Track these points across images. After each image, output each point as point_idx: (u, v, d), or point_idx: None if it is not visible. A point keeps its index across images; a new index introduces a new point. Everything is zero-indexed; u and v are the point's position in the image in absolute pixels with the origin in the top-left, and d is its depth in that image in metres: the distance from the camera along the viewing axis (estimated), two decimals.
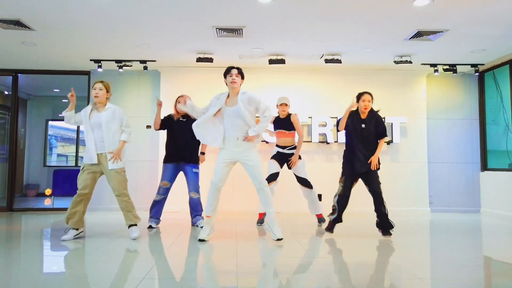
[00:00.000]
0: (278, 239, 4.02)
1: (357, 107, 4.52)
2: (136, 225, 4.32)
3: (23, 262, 3.42)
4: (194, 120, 4.83)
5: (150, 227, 5.02)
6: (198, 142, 5.04)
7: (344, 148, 4.65)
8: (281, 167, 5.23)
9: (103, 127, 4.16)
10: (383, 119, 4.82)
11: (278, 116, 5.27)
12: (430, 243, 4.53)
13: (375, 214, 4.50)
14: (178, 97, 5.06)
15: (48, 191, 9.19)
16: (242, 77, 4.08)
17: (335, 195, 4.58)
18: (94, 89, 4.23)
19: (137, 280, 2.71)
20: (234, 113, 3.96)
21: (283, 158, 5.20)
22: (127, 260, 3.58)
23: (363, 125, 4.43)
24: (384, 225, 4.44)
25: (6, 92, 8.42)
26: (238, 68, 4.05)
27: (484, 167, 6.93)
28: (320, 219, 5.34)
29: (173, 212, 6.42)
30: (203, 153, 5.29)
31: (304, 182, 5.21)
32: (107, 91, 4.29)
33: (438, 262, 3.58)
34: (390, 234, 4.45)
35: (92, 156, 4.17)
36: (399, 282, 2.96)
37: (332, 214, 4.64)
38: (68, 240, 4.15)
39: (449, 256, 3.75)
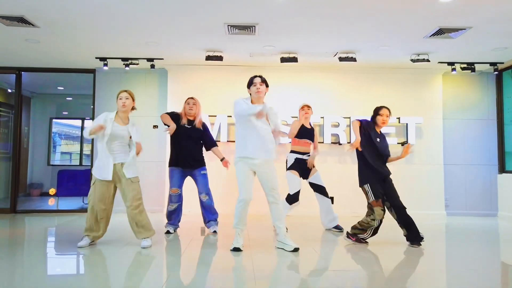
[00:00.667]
0: (295, 249, 3.77)
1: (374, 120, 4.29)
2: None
3: (27, 266, 3.27)
4: (200, 128, 4.79)
5: (168, 232, 4.80)
6: (202, 146, 4.91)
7: (358, 163, 4.26)
8: (301, 177, 5.00)
9: (130, 140, 3.97)
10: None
11: (303, 125, 5.01)
12: (446, 248, 4.39)
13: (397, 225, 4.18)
14: (188, 98, 4.84)
15: (52, 191, 9.04)
16: (267, 85, 3.93)
17: (375, 220, 4.04)
18: (120, 98, 3.98)
19: None
20: (259, 123, 3.78)
21: (303, 166, 4.99)
22: (137, 268, 3.40)
23: (378, 139, 4.18)
24: (416, 237, 4.10)
25: (9, 90, 8.25)
26: (261, 77, 3.92)
27: (502, 169, 6.70)
28: (339, 227, 5.07)
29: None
30: (223, 158, 4.87)
31: (320, 190, 5.07)
32: (133, 100, 4.07)
33: (453, 268, 3.47)
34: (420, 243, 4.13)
35: (107, 173, 3.87)
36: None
37: (363, 232, 4.14)
38: (84, 246, 3.91)
39: (465, 262, 3.62)
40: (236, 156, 3.88)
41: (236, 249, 3.77)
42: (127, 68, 6.34)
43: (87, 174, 7.04)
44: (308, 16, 4.55)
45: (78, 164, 10.65)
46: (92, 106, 6.87)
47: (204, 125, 4.91)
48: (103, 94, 6.78)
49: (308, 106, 5.02)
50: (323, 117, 6.55)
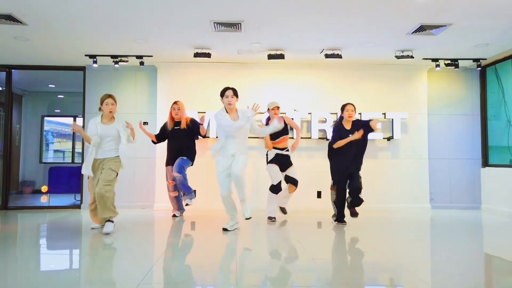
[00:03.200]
0: (247, 218, 4.48)
1: (341, 118, 5.07)
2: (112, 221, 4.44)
3: (19, 262, 3.33)
4: (187, 127, 5.51)
5: (174, 216, 5.62)
6: (193, 144, 5.65)
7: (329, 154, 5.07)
8: (282, 170, 5.40)
9: (116, 137, 4.54)
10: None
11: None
12: (431, 241, 4.49)
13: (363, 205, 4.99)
14: (173, 103, 5.57)
15: (44, 188, 9.07)
16: (237, 96, 4.48)
17: (332, 203, 5.04)
18: (107, 104, 4.57)
19: (134, 283, 2.63)
20: (234, 127, 4.33)
21: (282, 160, 5.38)
22: (125, 260, 3.49)
23: (349, 135, 4.83)
24: (356, 202, 4.89)
25: (0, 88, 8.27)
26: (233, 89, 4.46)
27: (485, 163, 6.86)
28: (284, 210, 5.69)
29: (171, 209, 6.33)
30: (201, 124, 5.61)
31: (294, 182, 5.45)
32: (116, 103, 4.67)
33: (438, 260, 3.55)
34: (357, 214, 4.95)
35: (87, 170, 4.43)
36: (399, 281, 2.92)
37: (334, 216, 5.11)
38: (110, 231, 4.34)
39: (450, 254, 3.71)
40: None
41: (225, 230, 4.52)
42: (116, 66, 6.41)
43: (78, 171, 7.09)
44: (294, 13, 4.63)
45: (71, 161, 10.67)
46: (82, 104, 6.92)
47: (193, 122, 5.64)
48: (94, 91, 6.83)
49: (278, 107, 5.42)
50: (310, 113, 6.65)
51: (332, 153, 5.00)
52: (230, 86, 4.52)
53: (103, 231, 4.29)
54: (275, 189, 5.28)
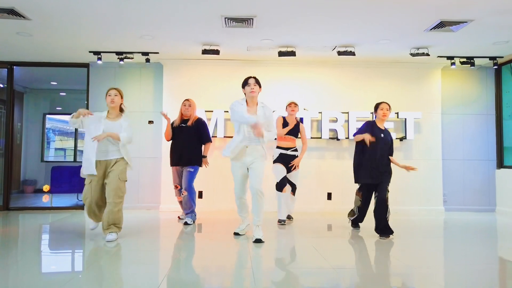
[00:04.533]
0: (257, 240, 3.98)
1: (375, 117, 4.68)
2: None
3: (21, 264, 3.17)
4: (193, 125, 5.14)
5: (186, 223, 5.10)
6: (199, 145, 5.21)
7: (356, 155, 4.60)
8: (286, 169, 5.19)
9: (122, 138, 4.04)
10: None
11: (285, 119, 5.27)
12: (444, 244, 4.34)
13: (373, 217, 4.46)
14: (184, 100, 5.27)
15: (46, 187, 8.90)
16: (260, 86, 4.15)
17: (355, 207, 4.72)
18: (109, 95, 4.14)
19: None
20: (247, 120, 3.99)
21: (286, 160, 5.19)
22: (134, 264, 3.31)
23: (382, 135, 4.46)
24: (384, 230, 4.34)
25: (1, 85, 8.09)
26: (255, 78, 4.14)
27: (500, 164, 6.67)
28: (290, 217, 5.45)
29: (177, 211, 6.17)
30: (204, 156, 5.26)
31: (294, 189, 5.29)
32: (121, 97, 4.21)
33: (451, 264, 3.44)
34: (389, 236, 4.35)
35: (91, 168, 3.97)
36: (411, 285, 2.83)
37: (352, 215, 4.80)
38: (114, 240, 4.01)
39: (463, 258, 3.59)
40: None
41: (236, 234, 4.35)
42: (121, 62, 6.22)
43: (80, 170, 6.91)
44: (307, 9, 4.45)
45: (73, 160, 10.50)
46: (86, 102, 6.74)
47: (199, 121, 5.25)
48: (97, 89, 6.65)
49: (295, 104, 5.23)
50: (321, 112, 6.46)
51: (360, 154, 4.52)
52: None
53: (106, 239, 3.98)
54: (279, 185, 5.05)
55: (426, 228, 5.19)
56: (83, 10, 4.51)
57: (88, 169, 3.98)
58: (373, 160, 4.36)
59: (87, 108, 6.65)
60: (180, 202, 5.30)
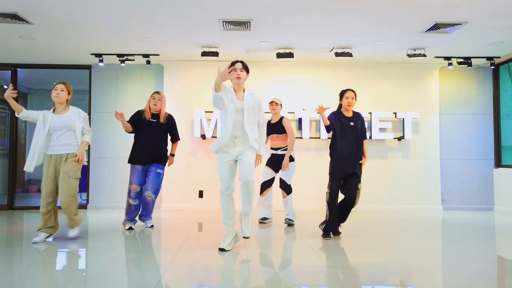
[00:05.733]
0: (245, 237, 3.69)
1: (340, 106, 4.34)
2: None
3: (25, 263, 3.26)
4: (165, 122, 4.73)
5: (130, 228, 4.71)
6: (167, 143, 4.86)
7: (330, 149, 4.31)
8: (276, 171, 5.15)
9: (71, 128, 4.05)
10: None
11: (269, 121, 5.15)
12: (442, 243, 4.39)
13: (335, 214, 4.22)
14: (154, 93, 4.84)
15: None
16: (247, 72, 3.77)
17: (326, 206, 4.20)
18: (55, 89, 4.11)
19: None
20: (239, 108, 3.62)
21: (277, 161, 5.11)
22: (133, 264, 3.41)
23: (351, 123, 4.19)
24: (333, 230, 4.25)
25: (5, 86, 8.21)
26: (242, 62, 3.75)
27: (498, 163, 6.72)
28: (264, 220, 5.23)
29: (178, 210, 6.27)
30: (172, 155, 4.92)
31: (285, 187, 5.07)
32: (69, 93, 4.18)
33: (449, 263, 3.47)
34: (331, 236, 4.24)
35: (29, 165, 4.03)
36: (409, 284, 2.86)
37: (323, 223, 4.27)
38: (40, 242, 4.00)
39: (461, 257, 3.63)
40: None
41: (222, 250, 3.64)
42: (122, 64, 6.32)
43: (83, 169, 7.02)
44: (304, 11, 4.52)
45: None
46: (88, 103, 6.85)
47: (171, 118, 4.88)
48: (99, 90, 6.76)
49: (276, 103, 5.12)
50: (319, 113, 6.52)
51: (332, 146, 4.28)
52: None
53: (69, 235, 4.07)
54: (261, 188, 5.04)
55: (424, 227, 5.24)
56: (84, 14, 4.61)
57: (28, 167, 4.04)
58: (344, 152, 4.12)
59: (89, 108, 6.76)
60: (132, 207, 4.69)
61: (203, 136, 6.47)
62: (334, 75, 6.70)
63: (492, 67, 6.44)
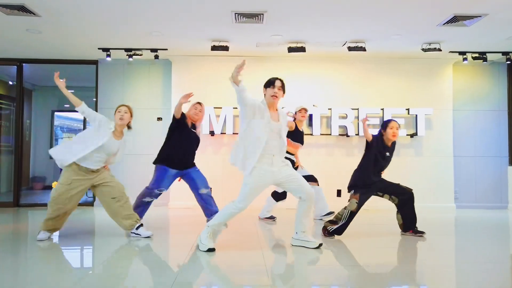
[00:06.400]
0: (320, 245, 3.61)
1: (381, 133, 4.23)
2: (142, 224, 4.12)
3: (31, 260, 3.17)
4: (198, 136, 4.61)
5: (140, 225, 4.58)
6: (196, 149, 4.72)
7: (359, 165, 4.26)
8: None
9: (116, 156, 4.00)
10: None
11: (297, 128, 5.08)
12: (455, 242, 4.30)
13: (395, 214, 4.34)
14: (196, 103, 4.66)
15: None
16: (284, 92, 3.61)
17: (347, 209, 4.06)
18: (119, 111, 3.96)
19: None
20: (277, 129, 3.50)
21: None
22: (145, 263, 3.30)
23: (387, 154, 4.19)
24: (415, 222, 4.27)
25: (10, 82, 8.12)
26: (281, 81, 3.58)
27: None
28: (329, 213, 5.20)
29: (186, 208, 6.16)
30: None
31: (312, 178, 5.09)
32: (131, 115, 4.04)
33: (463, 262, 3.39)
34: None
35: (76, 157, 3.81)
36: (421, 283, 2.79)
37: (334, 224, 4.11)
38: (44, 239, 3.91)
39: (475, 256, 3.53)
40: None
41: (210, 250, 3.48)
42: (130, 59, 6.20)
43: None
44: (317, 4, 4.40)
45: None
46: (94, 99, 6.75)
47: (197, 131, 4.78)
48: (106, 86, 6.65)
49: (306, 110, 5.09)
50: (330, 109, 6.41)
51: (364, 165, 4.22)
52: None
53: (143, 235, 4.01)
54: (279, 196, 5.07)
55: (437, 225, 5.14)
56: (92, 7, 4.50)
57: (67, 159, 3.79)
58: (372, 177, 4.15)
59: (96, 104, 6.66)
60: (144, 203, 4.47)
61: (212, 133, 6.36)
62: (345, 70, 6.57)
63: (508, 62, 6.29)
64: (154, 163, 4.55)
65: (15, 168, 6.82)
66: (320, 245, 3.62)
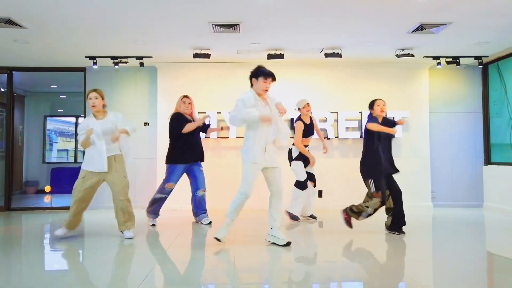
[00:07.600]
0: (287, 243, 3.81)
1: (371, 114, 4.58)
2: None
3: (24, 263, 3.36)
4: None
5: (153, 225, 5.11)
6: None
7: (365, 155, 4.49)
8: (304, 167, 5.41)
9: (114, 131, 4.16)
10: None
11: (305, 123, 5.38)
12: (432, 239, 4.48)
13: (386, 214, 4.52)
14: (183, 97, 5.11)
15: (47, 188, 9.14)
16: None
17: (370, 208, 4.33)
18: (90, 99, 4.21)
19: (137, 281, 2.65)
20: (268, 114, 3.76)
21: (305, 157, 5.37)
22: (128, 260, 3.50)
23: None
24: (402, 222, 4.43)
25: (2, 89, 8.31)
26: (273, 76, 3.85)
27: (488, 161, 6.82)
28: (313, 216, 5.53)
29: (172, 210, 6.35)
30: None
31: (313, 178, 5.49)
32: (103, 98, 4.28)
33: (440, 258, 3.55)
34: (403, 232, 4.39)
35: (102, 165, 4.11)
36: (400, 280, 2.91)
37: (364, 216, 4.41)
38: (61, 235, 4.20)
39: (452, 253, 3.69)
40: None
41: (217, 239, 3.88)
42: (116, 67, 6.41)
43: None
44: (292, 13, 4.61)
45: (74, 161, 10.73)
46: (83, 106, 6.94)
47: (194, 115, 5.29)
48: None
49: (308, 103, 5.38)
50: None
51: (371, 151, 4.42)
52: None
53: (126, 236, 4.18)
54: (302, 185, 5.26)
55: (415, 223, 5.27)
56: (76, 18, 4.70)
57: (97, 167, 4.11)
58: (386, 154, 4.43)
59: (84, 111, 6.86)
60: (158, 200, 5.02)
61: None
62: (325, 75, 6.80)
63: (481, 66, 6.53)
64: (166, 163, 5.08)
65: (6, 172, 7.01)
66: (289, 243, 3.81)
